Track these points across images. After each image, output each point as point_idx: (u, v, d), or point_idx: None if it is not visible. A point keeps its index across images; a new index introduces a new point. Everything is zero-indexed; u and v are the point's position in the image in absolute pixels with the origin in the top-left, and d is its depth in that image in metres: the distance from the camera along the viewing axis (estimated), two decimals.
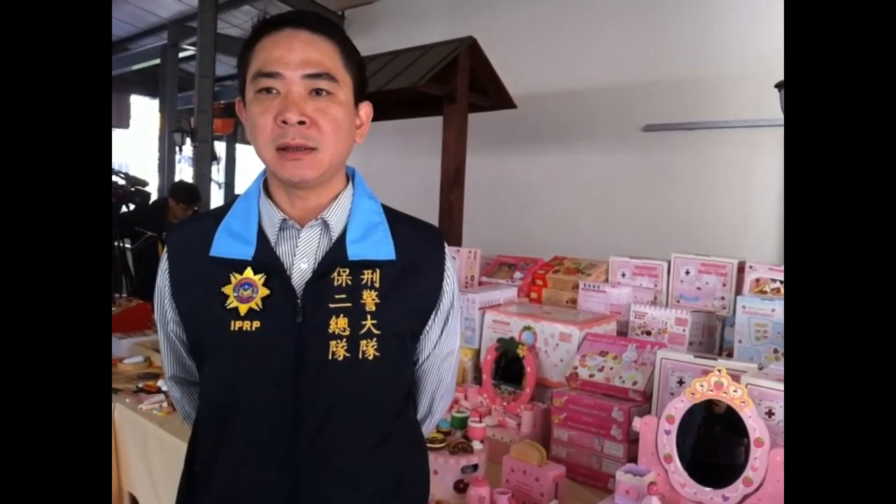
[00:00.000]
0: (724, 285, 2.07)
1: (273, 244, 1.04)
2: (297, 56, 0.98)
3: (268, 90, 0.99)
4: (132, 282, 4.86)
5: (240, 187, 10.22)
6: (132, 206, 4.63)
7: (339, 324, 1.01)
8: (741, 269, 2.05)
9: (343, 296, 1.02)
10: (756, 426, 1.19)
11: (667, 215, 4.33)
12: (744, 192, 4.03)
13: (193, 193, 4.61)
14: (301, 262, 1.03)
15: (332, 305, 1.01)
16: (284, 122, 0.97)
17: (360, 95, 1.07)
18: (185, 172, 8.37)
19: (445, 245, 1.15)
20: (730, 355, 1.85)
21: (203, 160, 6.48)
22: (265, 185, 1.09)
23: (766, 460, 1.17)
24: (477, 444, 1.55)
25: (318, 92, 0.99)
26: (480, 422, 1.61)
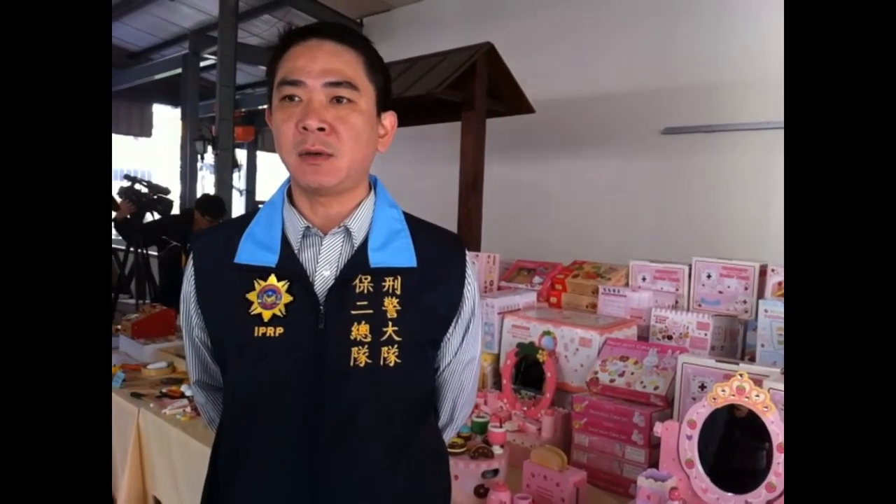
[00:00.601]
0: (746, 289, 2.06)
1: (296, 251, 1.05)
2: (319, 65, 1.00)
3: (291, 98, 1.01)
4: (155, 288, 4.93)
5: (261, 194, 10.31)
6: (156, 214, 4.70)
7: (360, 330, 1.02)
8: (763, 272, 2.04)
9: (365, 302, 1.03)
10: (779, 431, 1.18)
11: (686, 219, 4.30)
12: (764, 195, 3.99)
13: (219, 206, 4.65)
14: (324, 269, 1.05)
15: (353, 312, 1.02)
16: (305, 129, 0.99)
17: (383, 105, 1.09)
18: (206, 180, 8.45)
19: (466, 253, 1.16)
20: (752, 359, 1.83)
21: (224, 168, 6.54)
22: (289, 193, 1.11)
23: None
24: (497, 449, 1.55)
25: (338, 100, 1.01)
26: (501, 426, 1.61)
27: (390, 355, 1.03)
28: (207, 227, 4.45)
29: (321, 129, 0.99)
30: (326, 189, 1.03)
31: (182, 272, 1.22)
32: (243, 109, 8.72)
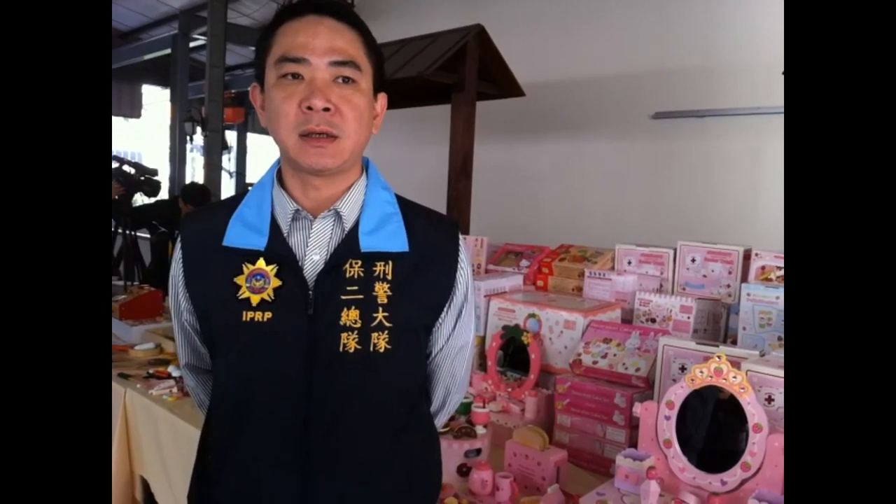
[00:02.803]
0: (729, 273, 2.08)
1: (286, 235, 1.04)
2: (322, 42, 0.98)
3: (294, 76, 0.99)
4: (143, 270, 4.92)
5: (250, 176, 10.26)
6: (143, 196, 4.69)
7: (350, 316, 1.00)
8: (747, 256, 2.05)
9: (355, 288, 1.01)
10: (755, 412, 1.20)
11: (675, 203, 4.32)
12: (752, 180, 4.02)
13: (203, 195, 4.64)
14: (313, 253, 1.03)
15: (343, 297, 1.00)
16: (309, 108, 0.97)
17: (378, 86, 1.08)
18: (196, 161, 8.43)
19: (460, 237, 1.14)
20: (734, 343, 1.85)
21: (214, 149, 6.51)
22: (279, 174, 1.09)
23: (764, 445, 1.19)
24: (480, 429, 1.57)
25: (344, 80, 0.99)
26: (484, 407, 1.63)
27: (380, 341, 1.01)
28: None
29: (326, 110, 0.97)
30: (328, 171, 1.02)
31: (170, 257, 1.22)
32: (233, 91, 8.66)
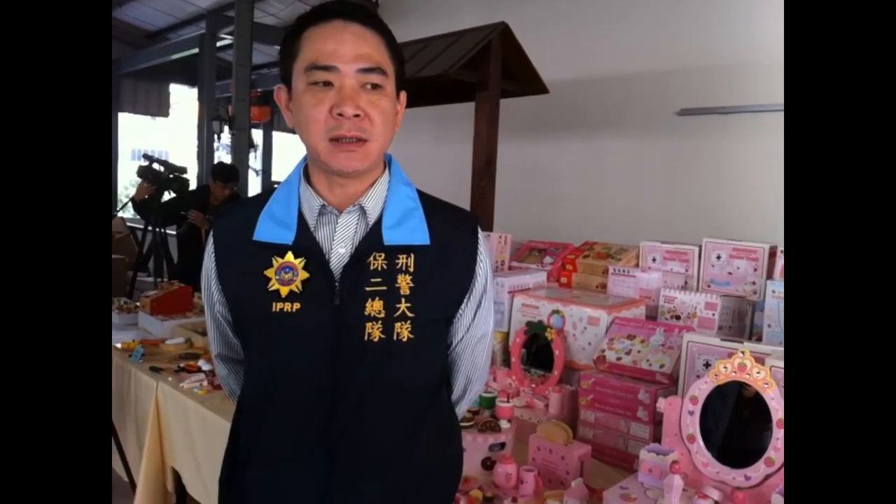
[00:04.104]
0: (755, 270, 2.07)
1: (312, 229, 1.08)
2: (350, 50, 1.01)
3: (324, 83, 1.02)
4: (173, 267, 5.00)
5: (276, 174, 10.37)
6: (172, 193, 4.75)
7: (374, 306, 1.04)
8: (773, 253, 2.05)
9: (379, 279, 1.05)
10: (778, 407, 1.20)
11: (700, 200, 4.29)
12: (778, 177, 3.97)
13: (230, 172, 4.74)
14: (339, 246, 1.07)
15: (368, 289, 1.05)
16: (340, 115, 1.01)
17: (399, 85, 1.11)
18: (223, 160, 8.52)
19: (479, 231, 1.18)
20: (759, 340, 1.85)
21: (241, 147, 6.59)
22: (305, 171, 1.13)
23: None
24: (504, 424, 1.59)
25: (373, 86, 1.03)
26: (508, 402, 1.65)
27: (403, 331, 1.05)
28: (221, 194, 4.54)
29: (356, 116, 1.01)
30: (357, 173, 1.06)
31: (200, 247, 1.25)
32: (259, 90, 8.73)
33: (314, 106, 1.02)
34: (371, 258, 1.06)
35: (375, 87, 1.03)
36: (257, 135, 10.03)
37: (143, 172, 4.69)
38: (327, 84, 1.02)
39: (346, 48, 1.01)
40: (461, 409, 1.29)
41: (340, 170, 1.04)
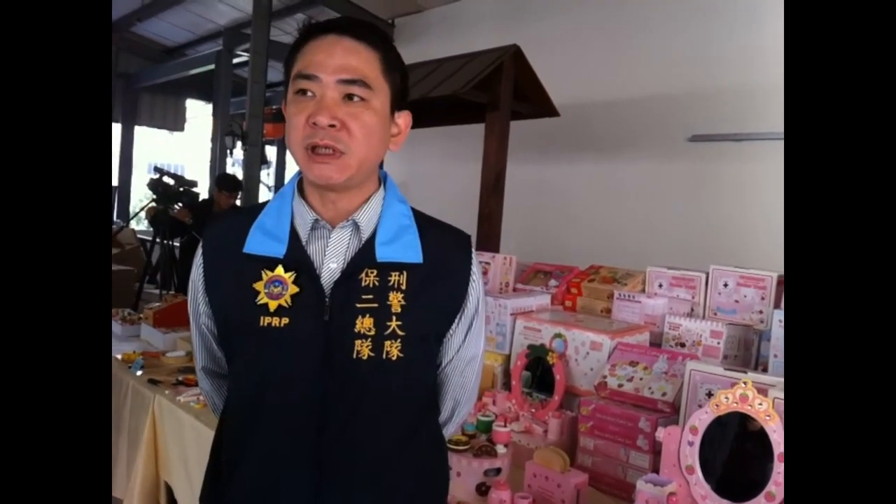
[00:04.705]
0: (762, 299, 2.03)
1: (304, 243, 1.07)
2: (335, 61, 1.01)
3: (304, 92, 1.02)
4: (179, 277, 5.03)
5: None
6: (180, 206, 4.80)
7: (364, 324, 1.02)
8: (780, 282, 2.01)
9: (370, 296, 1.04)
10: (780, 440, 1.17)
11: (710, 227, 4.26)
12: None
13: (233, 182, 4.86)
14: (331, 261, 1.06)
15: (358, 305, 1.03)
16: (315, 124, 1.00)
17: (399, 104, 1.10)
18: (236, 175, 8.60)
19: (473, 250, 1.16)
20: (765, 370, 1.81)
21: (253, 163, 6.62)
22: (300, 185, 1.12)
23: None
24: (501, 448, 1.56)
25: (350, 97, 1.02)
26: (505, 426, 1.61)
27: (393, 349, 1.03)
28: (225, 202, 4.62)
29: (332, 126, 1.00)
30: (333, 185, 1.04)
31: None
32: (274, 107, 8.81)
33: (295, 115, 1.02)
34: (363, 274, 1.04)
35: (356, 98, 1.02)
36: (271, 151, 10.10)
37: (153, 185, 4.73)
38: (308, 93, 1.02)
39: (331, 59, 1.01)
40: (448, 432, 1.27)
41: (315, 180, 1.03)
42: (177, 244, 5.16)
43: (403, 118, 1.12)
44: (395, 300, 1.04)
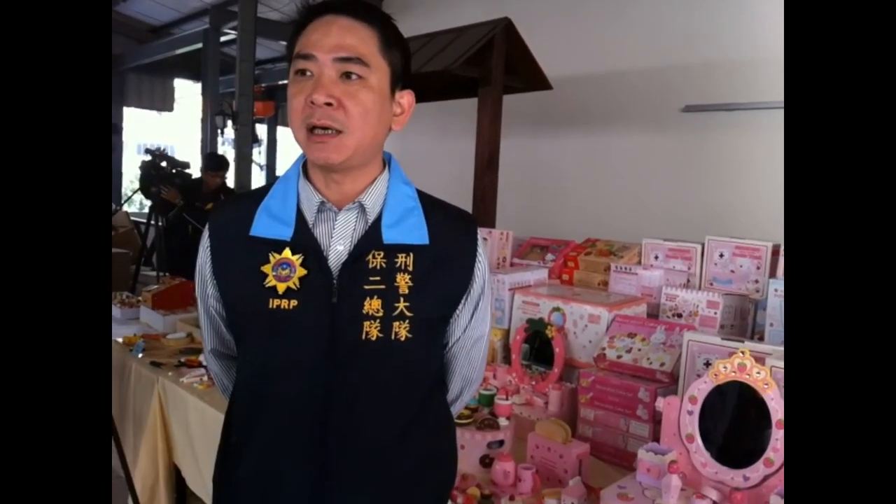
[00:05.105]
0: (758, 268, 2.06)
1: (311, 226, 1.07)
2: (332, 40, 1.01)
3: (303, 72, 1.02)
4: (165, 258, 5.04)
5: (281, 170, 10.38)
6: (168, 188, 4.81)
7: (372, 305, 1.04)
8: (776, 251, 2.03)
9: (377, 278, 1.05)
10: (778, 408, 1.20)
11: (705, 197, 4.27)
12: (781, 174, 3.95)
13: (217, 161, 4.90)
14: (337, 244, 1.06)
15: (366, 287, 1.04)
16: (313, 103, 1.00)
17: (400, 83, 1.09)
18: (227, 155, 8.53)
19: (478, 231, 1.17)
20: (762, 339, 1.84)
21: (244, 142, 6.58)
22: (304, 167, 1.12)
23: None
24: (503, 421, 1.59)
25: (348, 75, 1.02)
26: (507, 399, 1.64)
27: (401, 330, 1.05)
28: (212, 181, 4.65)
29: (328, 104, 1.00)
30: (333, 166, 1.04)
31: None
32: (263, 85, 8.74)
33: (294, 95, 1.03)
34: (370, 256, 1.05)
35: (354, 76, 1.02)
36: (262, 130, 10.04)
37: (146, 168, 4.70)
38: (306, 73, 1.02)
39: (328, 38, 1.01)
40: (456, 410, 1.29)
41: (315, 160, 1.04)
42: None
43: (406, 97, 1.11)
44: (403, 281, 1.05)
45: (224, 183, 4.83)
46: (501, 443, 1.56)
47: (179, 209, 4.66)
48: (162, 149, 5.13)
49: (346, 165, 1.05)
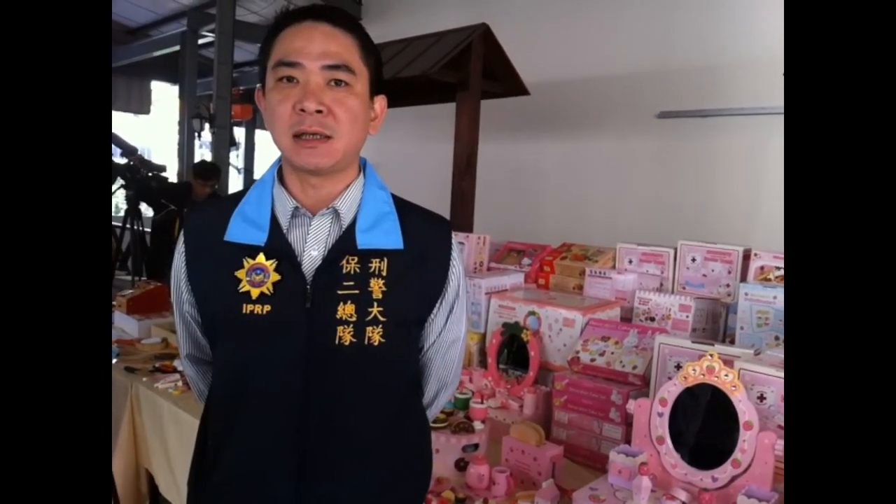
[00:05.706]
0: (729, 272, 2.09)
1: (285, 231, 1.07)
2: (317, 47, 1.02)
3: (288, 79, 1.02)
4: (146, 256, 4.98)
5: (258, 173, 10.31)
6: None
7: (346, 310, 1.04)
8: (747, 256, 2.07)
9: (351, 283, 1.05)
10: (746, 409, 1.22)
11: (678, 202, 4.33)
12: (755, 180, 4.02)
13: (209, 170, 4.80)
14: (312, 249, 1.07)
15: (340, 292, 1.04)
16: (303, 111, 1.01)
17: (375, 89, 1.11)
18: (204, 157, 8.48)
19: (453, 235, 1.18)
20: (732, 342, 1.87)
21: (222, 146, 6.55)
22: (279, 172, 1.12)
23: (754, 443, 1.20)
24: (478, 425, 1.60)
25: (336, 82, 1.03)
26: (482, 403, 1.65)
27: (375, 335, 1.05)
28: (201, 190, 4.58)
29: (319, 112, 1.01)
30: (322, 170, 1.05)
31: (171, 239, 1.24)
32: (241, 87, 8.69)
33: (279, 102, 1.02)
34: (344, 261, 1.06)
35: (341, 84, 1.03)
36: (240, 133, 9.97)
37: (121, 170, 4.65)
38: (293, 80, 1.02)
39: (312, 45, 1.02)
40: (431, 413, 1.29)
41: (304, 166, 1.04)
42: (147, 230, 5.09)
43: (379, 102, 1.13)
44: (377, 286, 1.06)
45: (214, 193, 4.75)
46: (476, 446, 1.57)
47: (167, 211, 4.60)
48: (138, 152, 5.08)
49: (332, 169, 1.06)
